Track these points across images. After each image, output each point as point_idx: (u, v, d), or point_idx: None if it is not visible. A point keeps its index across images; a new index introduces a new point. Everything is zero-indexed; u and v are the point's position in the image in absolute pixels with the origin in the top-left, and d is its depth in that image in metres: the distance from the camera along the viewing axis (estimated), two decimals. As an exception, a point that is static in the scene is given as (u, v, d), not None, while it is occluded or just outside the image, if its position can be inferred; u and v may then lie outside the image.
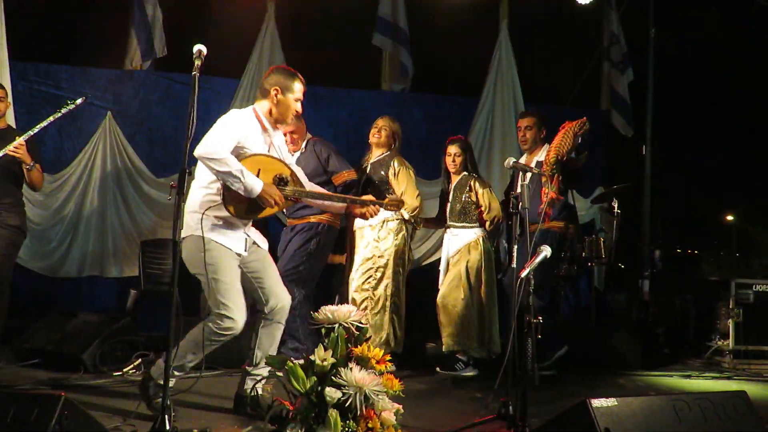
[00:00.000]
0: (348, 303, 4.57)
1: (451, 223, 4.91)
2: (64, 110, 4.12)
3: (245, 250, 3.41)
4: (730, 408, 2.77)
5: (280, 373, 2.72)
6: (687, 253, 6.82)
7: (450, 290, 4.78)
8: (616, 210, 5.96)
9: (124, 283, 5.92)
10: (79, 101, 4.16)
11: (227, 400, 3.67)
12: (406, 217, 4.72)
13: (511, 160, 3.91)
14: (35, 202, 5.72)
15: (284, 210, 4.75)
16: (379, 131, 4.83)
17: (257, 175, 3.28)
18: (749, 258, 6.70)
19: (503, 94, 7.04)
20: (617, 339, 5.34)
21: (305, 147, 4.74)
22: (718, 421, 2.71)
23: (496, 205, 4.83)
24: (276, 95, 3.43)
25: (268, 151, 3.46)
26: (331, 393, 2.56)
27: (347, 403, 2.56)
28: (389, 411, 2.66)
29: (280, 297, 3.52)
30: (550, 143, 4.75)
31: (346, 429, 2.54)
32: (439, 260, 5.26)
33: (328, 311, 2.77)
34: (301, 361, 2.73)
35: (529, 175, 3.72)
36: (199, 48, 3.23)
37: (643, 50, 7.25)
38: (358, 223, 4.79)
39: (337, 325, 2.74)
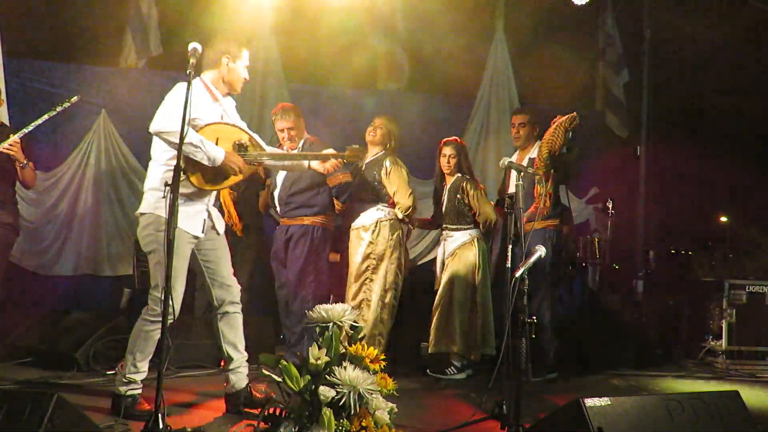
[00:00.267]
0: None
1: (446, 224, 4.91)
2: (58, 108, 4.10)
3: (202, 232, 3.37)
4: (723, 408, 2.78)
5: (274, 375, 2.71)
6: (681, 253, 6.83)
7: (446, 292, 4.77)
8: (610, 211, 5.99)
9: (118, 281, 5.90)
10: (74, 99, 4.14)
11: (220, 399, 3.67)
12: (400, 216, 4.71)
13: (506, 160, 3.92)
14: (29, 200, 5.70)
15: (278, 209, 4.75)
16: (375, 129, 4.81)
17: (216, 144, 3.27)
18: (742, 259, 6.72)
19: (499, 94, 7.05)
20: (611, 339, 5.36)
21: (302, 146, 4.73)
22: (710, 421, 2.72)
23: (487, 209, 4.80)
24: (227, 63, 3.41)
25: (221, 119, 3.43)
26: (325, 392, 2.56)
27: (341, 402, 2.56)
28: (383, 410, 2.66)
29: (230, 290, 3.53)
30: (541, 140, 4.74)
31: (340, 428, 2.54)
32: (433, 260, 5.26)
33: (322, 310, 2.76)
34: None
35: (523, 174, 3.72)
36: (194, 46, 3.24)
37: (638, 51, 7.28)
38: (354, 224, 4.78)
39: (331, 324, 2.74)
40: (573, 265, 5.81)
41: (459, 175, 4.89)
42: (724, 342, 5.55)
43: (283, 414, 2.63)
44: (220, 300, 3.49)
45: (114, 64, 6.35)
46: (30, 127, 4.15)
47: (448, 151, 4.88)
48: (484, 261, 4.81)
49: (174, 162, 3.25)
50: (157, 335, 3.31)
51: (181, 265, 3.30)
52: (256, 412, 2.71)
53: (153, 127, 3.18)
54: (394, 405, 2.73)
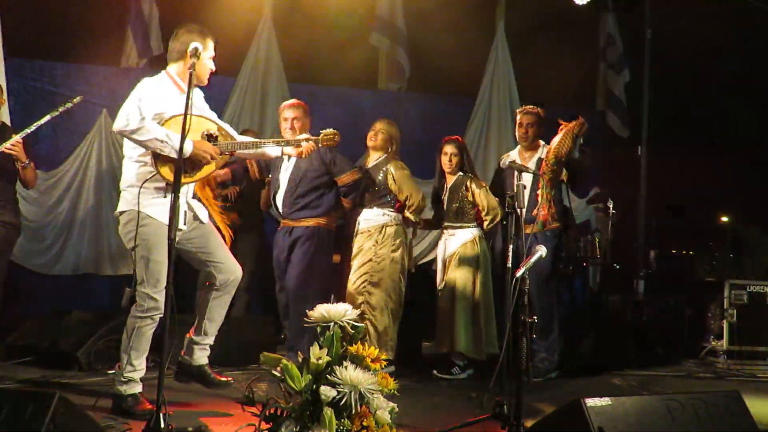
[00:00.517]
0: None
1: (448, 223, 4.89)
2: (61, 109, 4.10)
3: (184, 224, 3.35)
4: (723, 408, 2.78)
5: (275, 372, 2.71)
6: (682, 253, 6.83)
7: (449, 291, 4.76)
8: (611, 210, 5.99)
9: (119, 281, 5.91)
10: (76, 100, 4.14)
11: (223, 399, 3.68)
12: (414, 219, 4.72)
13: (506, 160, 3.93)
14: (30, 200, 5.70)
15: (279, 210, 4.69)
16: (376, 134, 4.77)
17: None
18: (743, 259, 6.72)
19: (500, 94, 7.06)
20: (612, 339, 5.35)
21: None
22: (711, 421, 2.72)
23: (494, 203, 4.78)
24: (190, 57, 3.36)
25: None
26: (326, 391, 2.56)
27: (342, 402, 2.56)
28: (384, 410, 2.66)
29: (232, 270, 3.53)
30: (548, 143, 4.74)
31: (341, 427, 2.54)
32: (433, 260, 5.25)
33: (323, 310, 2.76)
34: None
35: (524, 174, 3.72)
36: (195, 46, 3.24)
37: (639, 51, 7.27)
38: (357, 228, 4.72)
39: (332, 324, 2.74)
40: (574, 265, 5.81)
41: (461, 173, 4.88)
42: (725, 342, 5.55)
43: (284, 414, 2.63)
44: (222, 279, 3.50)
45: (115, 64, 6.36)
46: (32, 128, 4.15)
47: (449, 149, 4.86)
48: (486, 260, 4.81)
49: (146, 158, 3.26)
50: (149, 331, 3.32)
51: (163, 258, 3.29)
52: (256, 411, 2.71)
53: (116, 126, 3.17)
54: (395, 405, 2.73)
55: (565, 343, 4.85)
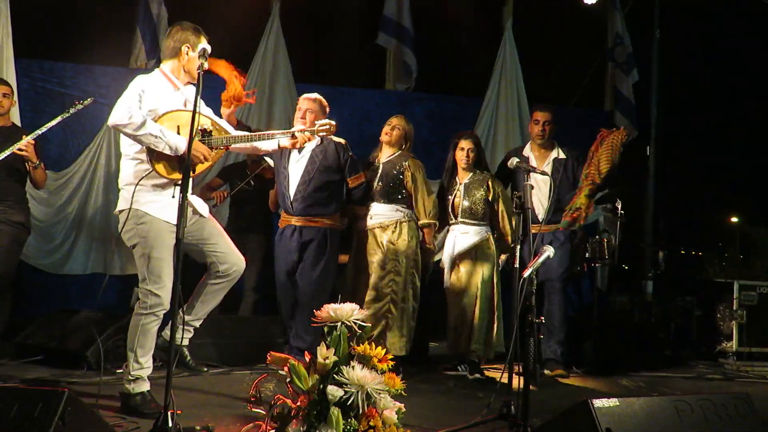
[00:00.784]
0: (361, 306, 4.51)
1: (462, 219, 4.77)
2: (72, 110, 4.13)
3: None
4: (732, 409, 2.77)
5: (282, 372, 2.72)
6: (691, 254, 6.80)
7: (460, 290, 4.70)
8: (619, 211, 5.96)
9: (128, 280, 5.93)
10: (87, 102, 4.18)
11: (230, 398, 3.69)
12: (427, 222, 4.69)
13: (514, 160, 3.92)
14: (39, 200, 5.73)
15: (291, 207, 4.58)
16: (392, 130, 4.74)
17: (177, 132, 3.26)
18: (753, 260, 6.68)
19: (507, 94, 7.03)
20: (620, 340, 5.33)
21: (323, 140, 4.54)
22: (719, 423, 2.71)
23: (508, 228, 4.72)
24: (187, 52, 3.41)
25: (184, 107, 3.41)
26: (333, 391, 2.56)
27: (349, 402, 2.56)
28: (391, 410, 2.66)
29: (235, 261, 3.57)
30: (589, 153, 4.69)
31: (348, 427, 2.55)
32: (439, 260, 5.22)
33: (330, 310, 2.77)
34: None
35: (533, 175, 3.71)
36: (204, 47, 3.26)
37: (647, 51, 7.24)
38: (369, 223, 4.69)
39: (339, 324, 2.74)
40: (581, 266, 5.79)
41: (478, 170, 4.79)
42: (734, 343, 5.52)
43: (291, 413, 2.63)
44: (225, 271, 3.55)
45: (124, 64, 6.38)
46: (44, 129, 4.18)
47: (466, 144, 4.75)
48: (496, 259, 4.77)
49: (143, 156, 3.28)
50: (154, 328, 3.34)
51: (166, 255, 3.32)
52: (263, 410, 2.71)
53: (111, 121, 3.19)
54: (402, 405, 2.73)
55: (573, 344, 4.84)
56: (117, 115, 3.17)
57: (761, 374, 5.26)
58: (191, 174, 3.34)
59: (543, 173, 4.46)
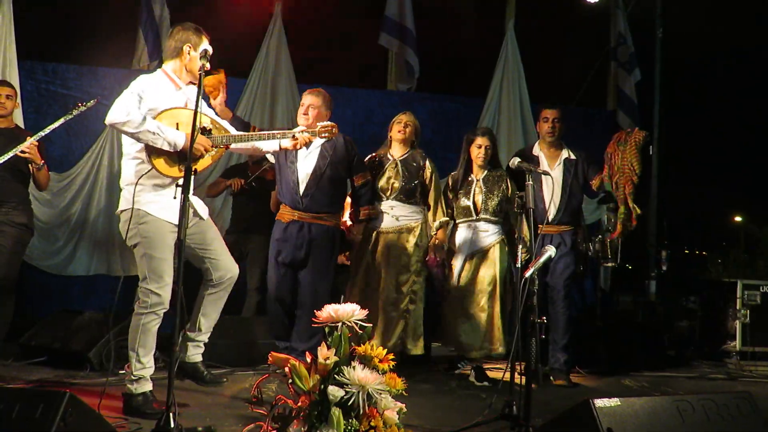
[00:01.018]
0: (379, 308, 4.52)
1: (483, 216, 4.65)
2: (76, 112, 4.13)
3: None
4: (734, 409, 2.76)
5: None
6: (694, 254, 6.79)
7: (478, 290, 4.61)
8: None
9: (131, 281, 5.93)
10: (91, 103, 4.18)
11: (232, 399, 3.69)
12: (436, 223, 4.69)
13: (515, 160, 3.91)
14: (43, 201, 5.75)
15: (299, 198, 4.45)
16: (405, 127, 4.70)
17: (177, 129, 3.27)
18: (756, 259, 6.66)
19: (509, 93, 7.02)
20: (623, 340, 5.32)
21: (335, 138, 4.41)
22: (721, 422, 2.70)
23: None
24: (189, 52, 3.41)
25: (186, 107, 3.41)
26: (334, 391, 2.56)
27: (350, 402, 2.57)
28: (392, 410, 2.66)
29: (229, 269, 3.58)
30: (606, 155, 4.66)
31: (349, 428, 2.55)
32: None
33: (331, 310, 2.77)
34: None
35: (536, 175, 3.70)
36: (205, 48, 3.28)
37: (650, 50, 7.23)
38: (394, 224, 4.64)
39: (340, 324, 2.74)
40: (583, 265, 5.78)
41: (497, 167, 4.73)
42: (737, 343, 5.51)
43: (293, 414, 2.63)
44: (217, 276, 3.56)
45: (127, 66, 6.40)
46: (47, 130, 4.18)
47: (484, 141, 4.66)
48: (509, 259, 4.69)
49: (143, 155, 3.28)
50: (155, 327, 3.34)
51: (168, 255, 3.33)
52: (264, 411, 2.72)
53: (108, 119, 3.20)
54: (404, 405, 2.73)
55: (576, 344, 4.83)
56: (114, 113, 3.19)
57: (765, 374, 5.24)
58: (193, 172, 3.36)
59: (545, 173, 4.43)
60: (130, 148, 3.36)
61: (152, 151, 3.25)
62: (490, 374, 4.63)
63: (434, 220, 4.71)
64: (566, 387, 4.54)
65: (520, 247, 3.52)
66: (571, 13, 6.93)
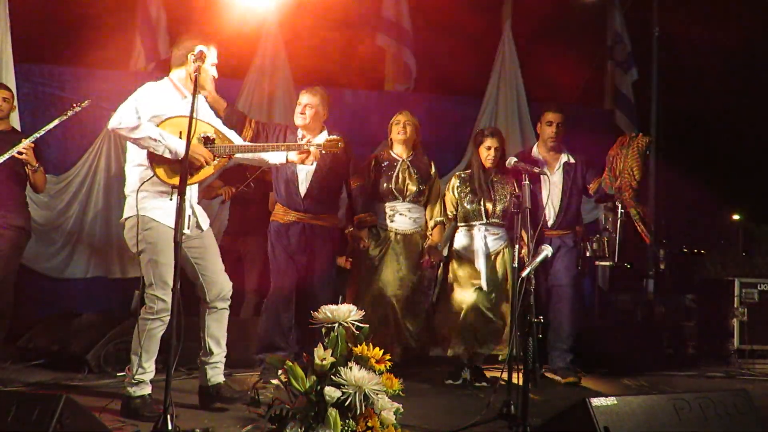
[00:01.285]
0: (396, 308, 4.53)
1: (494, 220, 4.57)
2: (70, 113, 4.14)
3: (188, 228, 3.36)
4: (731, 407, 2.76)
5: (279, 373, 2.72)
6: (692, 252, 6.79)
7: (489, 293, 4.50)
8: (620, 210, 5.95)
9: (128, 284, 5.94)
10: (85, 104, 4.18)
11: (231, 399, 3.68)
12: (436, 223, 4.71)
13: (512, 160, 3.91)
14: (40, 204, 5.74)
15: (302, 203, 4.38)
16: (404, 127, 4.65)
17: (180, 137, 3.26)
18: (754, 257, 6.67)
19: (506, 94, 7.02)
20: (621, 339, 5.33)
21: (308, 140, 4.37)
22: (718, 420, 2.70)
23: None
24: (193, 60, 3.38)
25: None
26: (331, 392, 2.56)
27: (347, 402, 2.57)
28: (389, 410, 2.66)
29: (222, 285, 3.57)
30: (607, 157, 4.67)
31: (346, 428, 2.55)
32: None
33: (328, 310, 2.77)
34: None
35: (544, 178, 3.69)
36: (201, 49, 3.28)
37: (647, 50, 7.23)
38: (412, 227, 4.64)
39: (337, 325, 2.74)
40: (583, 265, 5.79)
41: (500, 169, 4.61)
42: (735, 341, 5.52)
43: (289, 414, 2.63)
44: (212, 296, 3.54)
45: (123, 68, 6.39)
46: (42, 132, 4.19)
47: (493, 143, 4.53)
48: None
49: (147, 162, 3.28)
50: (159, 332, 3.35)
51: (170, 260, 3.29)
52: (261, 412, 2.72)
53: (111, 124, 3.20)
54: (400, 405, 2.73)
55: (573, 343, 4.83)
56: (116, 119, 3.19)
57: (762, 371, 5.25)
58: (194, 179, 3.36)
59: (542, 173, 4.42)
60: (134, 155, 3.37)
61: (154, 159, 3.26)
62: (488, 374, 4.62)
63: (431, 218, 4.71)
64: (575, 384, 4.55)
65: (517, 247, 3.52)
66: (567, 12, 6.93)
